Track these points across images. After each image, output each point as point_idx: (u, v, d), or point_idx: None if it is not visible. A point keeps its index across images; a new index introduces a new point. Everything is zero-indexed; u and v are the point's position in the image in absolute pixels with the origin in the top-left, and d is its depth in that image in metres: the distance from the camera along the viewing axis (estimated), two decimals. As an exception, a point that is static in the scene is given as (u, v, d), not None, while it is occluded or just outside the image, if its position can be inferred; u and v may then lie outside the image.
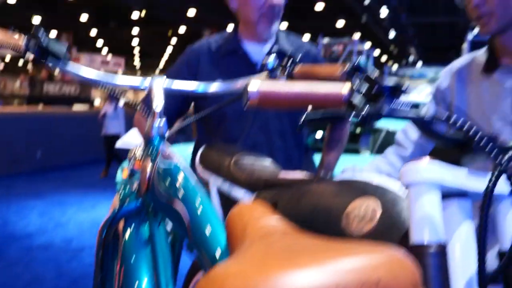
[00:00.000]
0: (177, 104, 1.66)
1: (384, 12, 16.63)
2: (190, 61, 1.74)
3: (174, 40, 25.80)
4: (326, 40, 10.57)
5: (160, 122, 1.11)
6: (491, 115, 1.28)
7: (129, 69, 36.11)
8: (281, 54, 1.71)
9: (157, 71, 32.93)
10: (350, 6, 16.48)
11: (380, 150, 4.43)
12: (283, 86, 0.78)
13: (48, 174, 8.64)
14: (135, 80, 1.21)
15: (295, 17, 19.41)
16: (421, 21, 21.28)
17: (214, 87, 1.30)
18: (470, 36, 11.15)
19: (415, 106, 7.77)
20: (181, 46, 27.25)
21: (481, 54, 1.37)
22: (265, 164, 1.27)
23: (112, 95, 1.27)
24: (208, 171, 1.30)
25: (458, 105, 1.37)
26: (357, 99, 0.70)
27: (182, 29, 22.09)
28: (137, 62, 35.04)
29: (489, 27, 1.24)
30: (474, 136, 0.66)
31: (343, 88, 0.73)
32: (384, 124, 4.48)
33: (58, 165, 9.20)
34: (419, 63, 28.49)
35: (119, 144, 7.24)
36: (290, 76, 1.16)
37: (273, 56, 1.21)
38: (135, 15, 19.59)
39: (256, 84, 0.76)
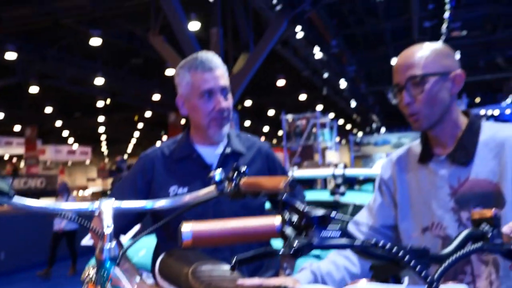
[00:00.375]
0: (130, 218, 1.65)
1: (343, 83, 17.30)
2: (146, 168, 1.72)
3: (140, 125, 25.96)
4: (289, 116, 10.78)
5: (110, 245, 1.16)
6: (431, 204, 1.35)
7: (97, 156, 35.91)
8: (234, 156, 1.74)
9: (125, 156, 32.75)
10: (310, 80, 17.09)
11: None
12: (216, 224, 0.81)
13: (13, 276, 8.17)
14: (83, 204, 1.23)
15: (258, 93, 19.99)
16: (379, 89, 22.19)
17: (162, 203, 1.32)
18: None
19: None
20: (147, 129, 27.47)
21: (416, 144, 1.46)
22: (225, 272, 1.26)
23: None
24: (167, 282, 1.30)
25: (401, 195, 1.43)
26: (288, 230, 0.75)
27: (148, 114, 22.31)
28: (104, 149, 34.90)
29: (419, 125, 1.33)
30: (403, 257, 0.70)
31: (275, 220, 0.78)
32: (351, 198, 4.46)
33: (24, 265, 8.74)
34: (383, 129, 29.41)
35: (85, 241, 6.96)
36: (237, 188, 1.18)
37: (219, 170, 1.24)
38: (100, 104, 19.77)
39: (189, 226, 0.79)
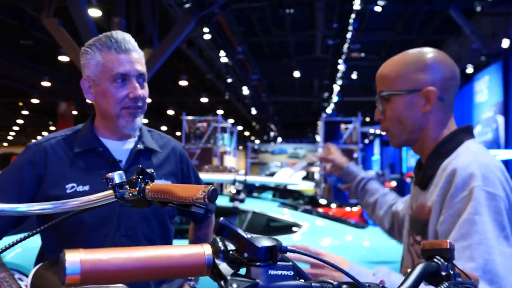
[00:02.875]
0: (7, 219, 1.38)
1: (245, 90, 17.41)
2: (36, 160, 1.45)
3: (26, 112, 24.10)
4: (190, 117, 10.54)
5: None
6: (405, 221, 1.35)
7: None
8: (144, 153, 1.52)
9: (5, 144, 30.28)
10: (213, 83, 16.97)
11: (248, 232, 4.25)
12: (119, 254, 0.55)
13: None
14: None
15: (159, 92, 19.44)
16: (279, 100, 22.73)
17: (44, 206, 1.04)
18: (323, 115, 12.04)
19: (284, 188, 7.95)
20: (34, 117, 25.54)
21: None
22: None
23: None
24: None
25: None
26: (223, 266, 0.55)
27: (35, 100, 20.71)
28: (-18, 134, 31.96)
29: (393, 142, 1.27)
30: None
31: (205, 250, 0.56)
32: (250, 205, 4.38)
33: None
34: (279, 139, 30.23)
35: None
36: (142, 196, 0.98)
37: (120, 171, 1.02)
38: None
39: (76, 254, 0.53)
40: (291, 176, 7.05)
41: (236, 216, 4.64)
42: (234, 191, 4.38)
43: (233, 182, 4.48)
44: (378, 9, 10.16)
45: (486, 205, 1.03)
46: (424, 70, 1.19)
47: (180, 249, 0.57)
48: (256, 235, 0.56)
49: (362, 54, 14.47)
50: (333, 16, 12.36)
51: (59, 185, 1.42)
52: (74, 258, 0.52)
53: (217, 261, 0.55)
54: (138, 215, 1.46)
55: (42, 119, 26.14)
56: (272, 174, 14.29)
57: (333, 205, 7.55)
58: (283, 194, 7.76)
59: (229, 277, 0.54)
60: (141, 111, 1.47)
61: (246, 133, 31.32)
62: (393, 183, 15.48)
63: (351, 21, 11.21)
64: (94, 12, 9.43)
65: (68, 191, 1.41)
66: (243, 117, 24.13)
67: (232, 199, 4.29)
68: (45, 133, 30.88)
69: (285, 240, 4.22)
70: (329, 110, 19.50)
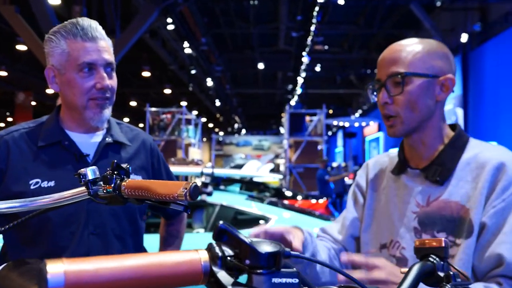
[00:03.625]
0: None
1: (209, 82, 17.30)
2: None
3: (-19, 103, 23.15)
4: (154, 109, 10.39)
5: None
6: (394, 219, 1.22)
7: None
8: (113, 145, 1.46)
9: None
10: (177, 75, 16.77)
11: (215, 226, 4.24)
12: (106, 263, 0.50)
13: None
14: None
15: (121, 82, 19.05)
16: (243, 92, 22.70)
17: (13, 204, 0.99)
18: (288, 107, 12.10)
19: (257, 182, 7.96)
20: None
21: (395, 153, 1.31)
22: None
23: None
24: None
25: (368, 205, 1.31)
26: (222, 275, 0.50)
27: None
28: None
29: (395, 130, 1.18)
30: None
31: (201, 256, 0.52)
32: (217, 198, 4.36)
33: None
34: (243, 131, 30.22)
35: None
36: (118, 193, 0.93)
37: (93, 167, 0.97)
38: None
39: (59, 265, 0.47)
40: (259, 169, 7.06)
41: (204, 209, 4.61)
42: (200, 184, 4.35)
43: (200, 174, 4.46)
44: (341, 2, 10.27)
45: None
46: (444, 58, 1.16)
47: (174, 256, 0.52)
48: (257, 239, 0.52)
49: (326, 47, 14.61)
50: (297, 9, 12.43)
51: (22, 180, 1.35)
52: (57, 270, 0.46)
53: (214, 269, 0.51)
54: (108, 212, 1.40)
55: (-2, 111, 25.20)
56: (239, 166, 14.30)
57: (299, 197, 7.64)
58: (248, 186, 7.78)
59: (229, 287, 0.50)
60: (109, 102, 1.42)
61: (210, 125, 31.15)
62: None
63: (314, 13, 11.29)
64: (54, 0, 9.14)
65: (32, 187, 1.34)
66: (206, 108, 23.97)
67: (200, 192, 4.25)
68: (1, 125, 29.79)
69: (253, 232, 4.25)
70: (293, 102, 19.63)
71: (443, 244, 0.72)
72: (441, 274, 0.70)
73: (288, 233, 1.06)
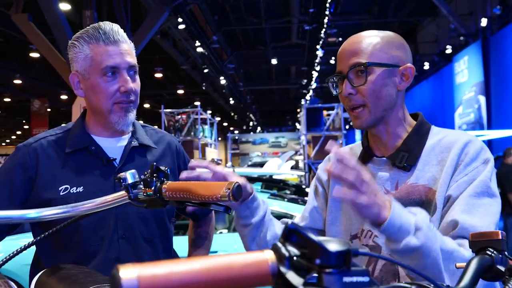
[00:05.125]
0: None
1: (222, 80, 17.21)
2: (26, 162, 1.40)
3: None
4: (169, 110, 10.32)
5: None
6: None
7: None
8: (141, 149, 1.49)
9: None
10: (189, 74, 16.71)
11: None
12: (176, 267, 0.50)
13: None
14: None
15: (134, 85, 19.09)
16: (257, 89, 22.58)
17: (53, 211, 1.04)
18: (304, 102, 11.93)
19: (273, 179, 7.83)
20: (6, 117, 24.87)
21: (358, 144, 1.35)
22: None
23: None
24: None
25: (333, 198, 1.32)
26: (291, 275, 0.49)
27: (6, 99, 20.13)
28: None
29: (362, 120, 1.20)
30: None
31: (268, 257, 0.51)
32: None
33: None
34: (259, 129, 30.14)
35: None
36: (158, 195, 0.96)
37: (132, 170, 1.00)
38: None
39: (133, 271, 0.47)
40: (280, 166, 6.93)
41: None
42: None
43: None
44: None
45: (494, 174, 1.13)
46: (401, 48, 1.20)
47: (241, 257, 0.52)
48: (324, 237, 0.50)
49: (340, 39, 14.39)
50: (309, 1, 12.22)
51: (51, 187, 1.37)
52: (131, 275, 0.47)
53: (282, 269, 0.50)
54: (136, 216, 1.41)
55: (15, 118, 25.52)
56: (258, 165, 14.18)
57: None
58: (268, 184, 7.68)
59: (301, 287, 0.48)
60: (133, 105, 1.42)
61: (225, 124, 31.15)
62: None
63: (327, 5, 11.09)
64: (65, 6, 9.14)
65: (61, 193, 1.36)
66: (221, 107, 23.94)
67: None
68: (18, 132, 30.19)
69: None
70: (308, 97, 19.42)
71: (500, 237, 0.73)
72: (501, 267, 0.70)
73: (230, 176, 1.07)
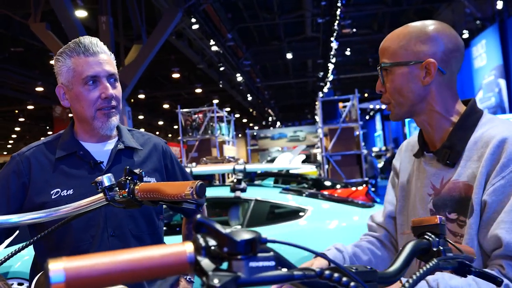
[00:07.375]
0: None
1: (239, 77, 17.28)
2: (20, 169, 1.50)
3: (22, 119, 24.00)
4: (185, 110, 10.43)
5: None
6: (415, 201, 1.28)
7: (-28, 154, 32.61)
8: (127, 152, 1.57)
9: (5, 153, 30.27)
10: (206, 73, 16.83)
11: (251, 221, 4.22)
12: (102, 259, 0.57)
13: None
14: None
15: (152, 86, 19.29)
16: (274, 84, 22.57)
17: (36, 215, 1.10)
18: (321, 95, 11.92)
19: (283, 173, 7.87)
20: (30, 124, 25.41)
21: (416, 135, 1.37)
22: None
23: None
24: None
25: (400, 186, 1.36)
26: (205, 262, 0.57)
27: (30, 107, 20.58)
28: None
29: (392, 115, 1.26)
30: (347, 284, 0.60)
31: (186, 248, 0.58)
32: (252, 193, 4.32)
33: None
34: (278, 123, 30.08)
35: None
36: (132, 196, 1.02)
37: (108, 174, 1.07)
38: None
39: (60, 263, 0.54)
40: (291, 161, 6.95)
41: (239, 206, 4.58)
42: (235, 180, 4.33)
43: (233, 171, 4.41)
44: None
45: None
46: (426, 42, 1.18)
47: (162, 250, 0.58)
48: (237, 228, 0.57)
49: (354, 30, 14.30)
50: (320, -6, 12.19)
51: (44, 191, 1.46)
52: (58, 267, 0.53)
53: (199, 258, 0.56)
54: (125, 214, 1.49)
55: (38, 125, 26.05)
56: (272, 160, 14.23)
57: (338, 186, 7.49)
58: (286, 179, 7.69)
59: (210, 273, 0.55)
60: (116, 110, 1.50)
61: (244, 120, 31.17)
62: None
63: (339, -3, 11.05)
64: (81, 13, 9.33)
65: (53, 196, 1.45)
66: (239, 104, 24.00)
67: (233, 189, 4.24)
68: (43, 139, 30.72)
69: (291, 226, 4.17)
70: (325, 89, 19.35)
71: (438, 221, 0.76)
72: (435, 249, 0.75)
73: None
